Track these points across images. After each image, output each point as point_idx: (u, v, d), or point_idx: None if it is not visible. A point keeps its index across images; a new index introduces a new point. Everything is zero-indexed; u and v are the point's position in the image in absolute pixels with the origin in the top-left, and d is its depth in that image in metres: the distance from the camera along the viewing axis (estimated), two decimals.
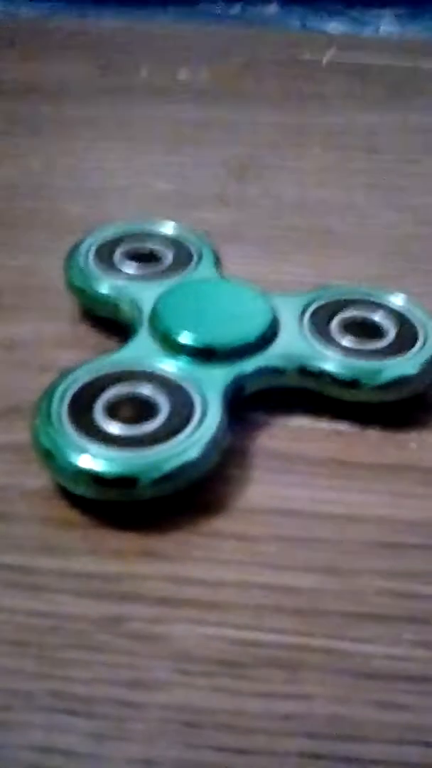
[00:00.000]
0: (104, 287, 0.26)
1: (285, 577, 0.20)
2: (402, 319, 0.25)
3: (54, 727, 0.17)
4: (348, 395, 0.24)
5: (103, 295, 0.26)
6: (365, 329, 0.25)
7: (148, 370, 0.23)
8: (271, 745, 0.17)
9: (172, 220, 0.29)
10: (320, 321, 0.25)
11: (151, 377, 0.23)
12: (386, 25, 0.52)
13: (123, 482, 0.20)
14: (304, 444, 0.23)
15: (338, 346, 0.24)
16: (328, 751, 0.17)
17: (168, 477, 0.21)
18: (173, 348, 0.24)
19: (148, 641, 0.19)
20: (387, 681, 0.18)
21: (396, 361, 0.24)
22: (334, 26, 0.52)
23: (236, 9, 0.52)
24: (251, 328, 0.24)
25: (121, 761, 0.17)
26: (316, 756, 0.17)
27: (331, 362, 0.24)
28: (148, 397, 0.22)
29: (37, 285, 0.29)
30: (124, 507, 0.21)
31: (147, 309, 0.25)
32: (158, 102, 0.42)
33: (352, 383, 0.23)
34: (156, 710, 0.18)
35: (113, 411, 0.22)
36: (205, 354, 0.23)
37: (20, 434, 0.22)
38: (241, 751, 0.17)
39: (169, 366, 0.23)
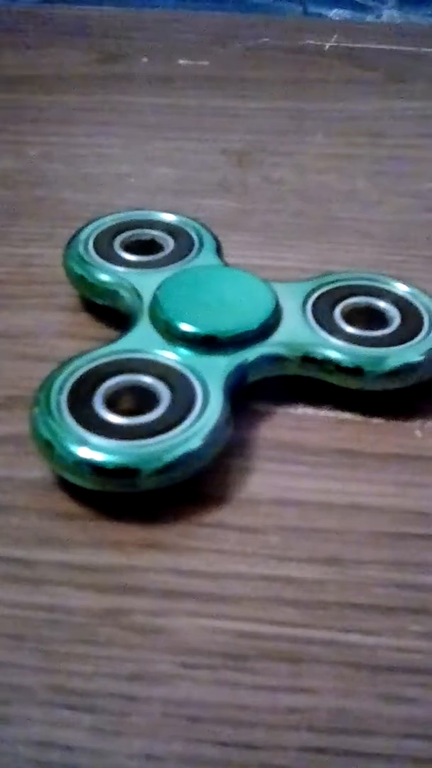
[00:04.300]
0: (104, 276, 0.26)
1: (288, 569, 0.20)
2: (407, 306, 0.25)
3: (54, 722, 0.17)
4: (352, 383, 0.23)
5: (102, 283, 0.26)
6: (369, 317, 0.25)
7: (149, 359, 0.23)
8: (275, 739, 0.17)
9: (173, 207, 0.29)
10: (323, 308, 0.25)
11: (152, 367, 0.22)
12: (388, 11, 0.52)
13: (124, 473, 0.20)
14: (307, 433, 0.23)
15: (342, 333, 0.24)
16: (331, 745, 0.17)
17: (169, 467, 0.20)
18: (174, 337, 0.23)
19: (150, 634, 0.18)
20: (392, 673, 0.18)
21: (401, 348, 0.23)
22: (336, 12, 0.52)
23: None
24: (253, 316, 0.24)
25: (122, 756, 0.16)
26: (320, 750, 0.17)
27: (334, 350, 0.23)
28: (148, 386, 0.22)
29: (36, 274, 0.28)
30: (125, 498, 0.21)
31: (147, 297, 0.25)
32: (158, 89, 0.42)
33: (356, 371, 0.23)
34: (158, 704, 0.17)
35: (114, 401, 0.22)
36: (206, 343, 0.23)
37: (19, 425, 0.22)
38: (244, 746, 0.17)
39: (170, 355, 0.23)
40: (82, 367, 0.22)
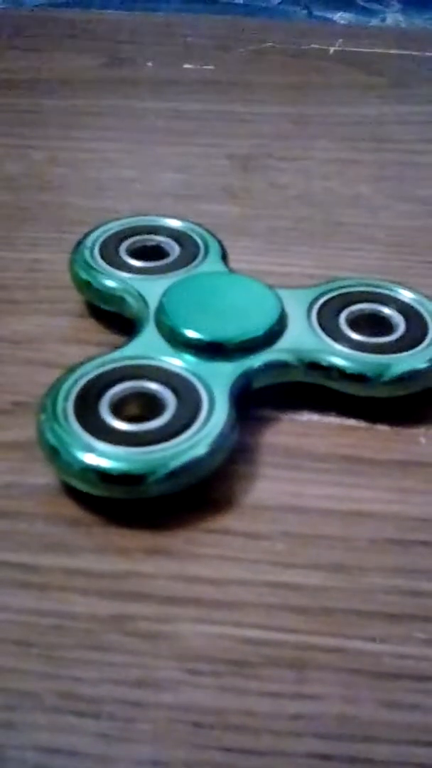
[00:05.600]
0: (110, 281, 0.26)
1: (293, 575, 0.20)
2: (412, 313, 0.25)
3: (60, 728, 0.17)
4: (357, 390, 0.23)
5: (108, 289, 0.26)
6: (374, 323, 0.25)
7: (155, 365, 0.23)
8: (280, 746, 0.17)
9: (178, 213, 0.29)
10: (328, 315, 0.25)
11: (158, 373, 0.23)
12: (393, 15, 0.52)
13: (130, 479, 0.20)
14: (313, 440, 0.23)
15: (347, 340, 0.24)
16: (337, 752, 0.17)
17: (175, 474, 0.20)
18: (180, 343, 0.23)
19: (155, 640, 0.19)
20: (397, 680, 0.18)
21: (406, 355, 0.23)
22: (341, 16, 0.52)
23: None
24: (259, 322, 0.24)
25: (128, 762, 0.17)
26: (325, 757, 0.17)
27: (339, 357, 0.23)
28: (154, 393, 0.22)
29: (42, 279, 0.29)
30: (131, 504, 0.21)
31: (153, 304, 0.25)
32: (163, 94, 0.42)
33: (361, 378, 0.23)
34: (163, 710, 0.17)
35: (120, 407, 0.22)
36: (212, 349, 0.23)
37: (26, 431, 0.22)
38: (250, 752, 0.17)
39: (176, 361, 0.23)
40: (88, 373, 0.22)
